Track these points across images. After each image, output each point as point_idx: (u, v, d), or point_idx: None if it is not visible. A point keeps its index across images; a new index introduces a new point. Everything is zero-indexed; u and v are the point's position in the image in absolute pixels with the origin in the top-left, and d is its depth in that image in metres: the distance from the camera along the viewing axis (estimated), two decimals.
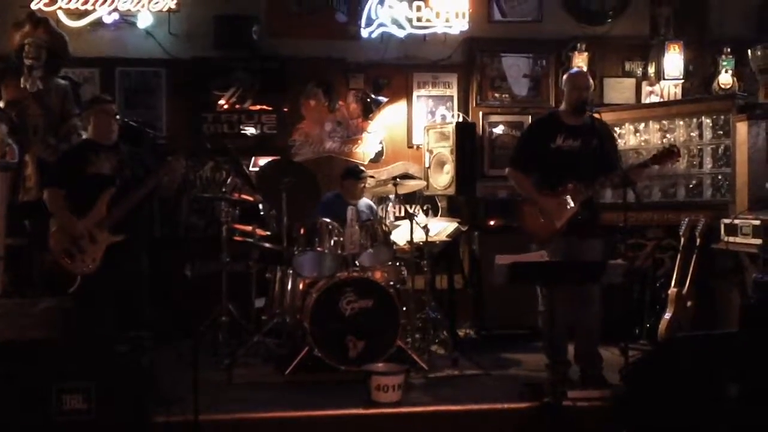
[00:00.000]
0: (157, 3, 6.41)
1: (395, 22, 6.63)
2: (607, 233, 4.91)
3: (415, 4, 6.63)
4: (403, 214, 6.44)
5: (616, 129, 6.26)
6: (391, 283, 5.23)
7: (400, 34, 6.67)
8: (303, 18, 6.75)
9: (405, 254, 5.51)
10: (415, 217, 5.41)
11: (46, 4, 6.23)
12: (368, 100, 6.80)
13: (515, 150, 5.12)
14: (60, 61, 5.79)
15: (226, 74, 6.63)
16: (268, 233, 5.67)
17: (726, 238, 5.42)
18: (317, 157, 6.82)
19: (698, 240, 5.56)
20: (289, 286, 5.35)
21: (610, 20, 7.04)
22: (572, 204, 4.63)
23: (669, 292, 5.60)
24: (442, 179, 6.51)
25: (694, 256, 5.54)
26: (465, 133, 6.50)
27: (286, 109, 6.75)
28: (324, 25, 6.74)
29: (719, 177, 5.99)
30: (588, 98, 4.78)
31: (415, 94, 6.95)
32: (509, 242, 4.92)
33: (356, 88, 6.85)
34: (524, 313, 5.58)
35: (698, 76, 6.92)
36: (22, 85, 5.54)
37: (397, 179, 5.76)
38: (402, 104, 6.95)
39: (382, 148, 6.94)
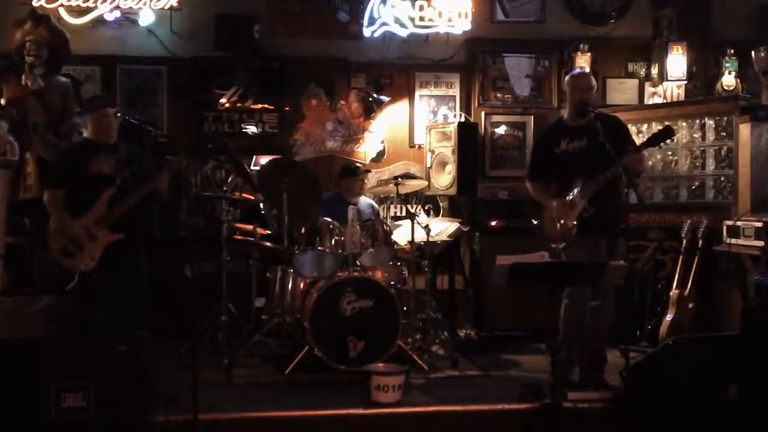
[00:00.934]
0: (158, 1, 6.40)
1: (398, 21, 6.62)
2: (622, 231, 4.69)
3: (417, 3, 6.62)
4: (404, 213, 6.43)
5: None
6: (392, 283, 5.22)
7: (403, 33, 6.66)
8: (304, 17, 6.75)
9: (406, 254, 5.50)
10: (417, 217, 5.40)
11: (47, 2, 6.23)
12: (370, 99, 6.80)
13: (528, 162, 5.25)
14: (61, 58, 5.77)
15: (227, 73, 6.62)
16: (269, 232, 5.67)
17: (728, 240, 5.40)
18: (318, 157, 6.81)
19: (700, 242, 5.56)
20: (290, 286, 5.33)
21: (612, 21, 7.02)
22: (579, 202, 4.61)
23: (670, 293, 5.60)
24: (444, 179, 6.50)
25: (696, 258, 5.54)
26: (467, 133, 6.50)
27: (287, 108, 6.75)
28: (326, 24, 6.74)
29: (721, 178, 5.97)
30: (591, 99, 4.76)
31: (417, 93, 6.94)
32: (510, 243, 4.91)
33: (358, 88, 6.85)
34: (525, 314, 5.56)
35: (701, 77, 6.90)
36: (22, 83, 5.51)
37: (399, 179, 5.76)
38: (404, 104, 6.94)
39: (384, 147, 6.93)
